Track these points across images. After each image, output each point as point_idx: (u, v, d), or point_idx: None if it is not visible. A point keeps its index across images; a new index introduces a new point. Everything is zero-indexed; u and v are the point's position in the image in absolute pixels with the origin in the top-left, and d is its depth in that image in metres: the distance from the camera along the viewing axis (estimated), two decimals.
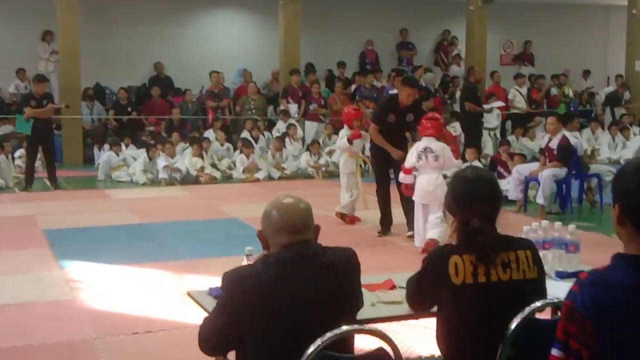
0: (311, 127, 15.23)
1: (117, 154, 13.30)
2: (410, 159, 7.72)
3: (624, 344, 1.93)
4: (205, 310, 3.29)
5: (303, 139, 14.81)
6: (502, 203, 3.07)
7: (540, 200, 9.62)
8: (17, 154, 13.04)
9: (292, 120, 14.94)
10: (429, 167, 7.56)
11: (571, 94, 17.92)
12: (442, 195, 6.98)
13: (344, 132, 9.17)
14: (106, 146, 13.85)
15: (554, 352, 2.00)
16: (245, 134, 14.31)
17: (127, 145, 13.86)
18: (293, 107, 15.41)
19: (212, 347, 2.81)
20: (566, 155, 9.73)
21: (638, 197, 2.00)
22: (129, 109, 15.56)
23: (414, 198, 7.72)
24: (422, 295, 3.05)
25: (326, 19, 17.92)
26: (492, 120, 15.12)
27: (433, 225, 7.45)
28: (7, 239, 8.35)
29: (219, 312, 2.73)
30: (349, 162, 9.19)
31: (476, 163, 11.53)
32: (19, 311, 5.83)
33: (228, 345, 2.77)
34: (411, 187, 7.81)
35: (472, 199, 2.93)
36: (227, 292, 2.70)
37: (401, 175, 7.89)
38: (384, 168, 8.48)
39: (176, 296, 5.90)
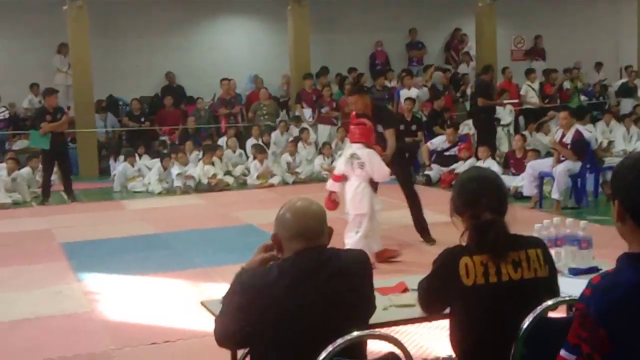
0: (324, 130, 15.24)
1: (132, 165, 13.38)
2: (339, 166, 7.38)
3: (639, 347, 1.92)
4: None
5: (316, 143, 14.82)
6: (508, 200, 3.07)
7: (555, 195, 9.58)
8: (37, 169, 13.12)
9: (304, 125, 14.95)
10: (354, 175, 7.16)
11: (582, 87, 17.84)
12: (360, 204, 7.05)
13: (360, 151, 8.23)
14: (121, 157, 13.93)
15: (563, 353, 1.98)
16: (251, 141, 14.34)
17: (140, 156, 13.93)
18: (307, 112, 15.43)
19: (227, 346, 2.90)
20: (580, 149, 9.69)
21: (637, 190, 1.97)
22: (142, 119, 15.64)
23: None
24: (434, 297, 3.06)
25: (335, 22, 17.93)
26: (505, 116, 15.07)
27: (348, 237, 7.07)
28: (25, 253, 8.42)
29: (233, 316, 2.75)
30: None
31: (489, 161, 11.53)
32: (38, 325, 5.88)
33: (242, 345, 2.84)
34: (335, 199, 7.36)
35: (479, 194, 2.96)
36: (242, 297, 2.72)
37: (329, 182, 7.54)
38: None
39: (193, 305, 5.90)
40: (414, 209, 8.19)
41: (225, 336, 2.80)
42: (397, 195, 8.68)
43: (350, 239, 6.99)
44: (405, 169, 8.48)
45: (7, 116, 15.16)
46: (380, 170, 7.08)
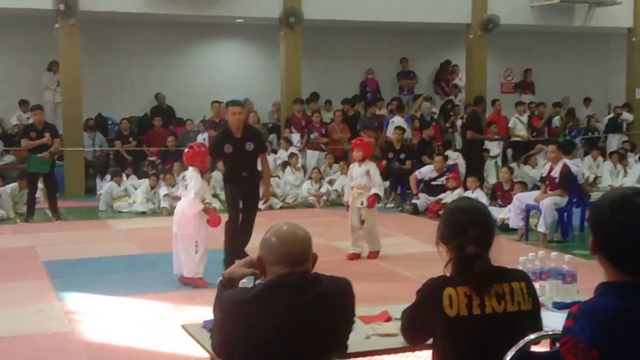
0: (312, 155, 15.25)
1: (119, 185, 13.33)
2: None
3: None
4: (200, 343, 3.29)
5: (304, 168, 14.82)
6: (495, 233, 3.07)
7: (541, 228, 9.60)
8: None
9: (293, 149, 14.97)
10: (183, 196, 7.62)
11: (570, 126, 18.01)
12: (185, 225, 7.37)
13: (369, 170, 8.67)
14: (108, 177, 13.87)
15: None
16: None
17: (128, 176, 13.88)
18: (295, 137, 15.45)
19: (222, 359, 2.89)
20: (568, 183, 9.74)
21: (609, 230, 2.07)
22: (131, 139, 15.61)
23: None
24: (417, 327, 3.05)
25: (327, 48, 18.01)
26: (493, 147, 15.15)
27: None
28: (7, 270, 8.33)
29: (218, 331, 2.83)
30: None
31: (478, 192, 11.55)
32: (18, 343, 5.81)
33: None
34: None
35: (466, 226, 2.96)
36: (222, 314, 2.79)
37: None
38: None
39: (174, 328, 5.85)
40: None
41: (218, 350, 2.85)
42: (385, 223, 8.73)
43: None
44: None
45: None
46: (199, 191, 7.50)
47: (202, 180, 7.61)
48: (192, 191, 7.42)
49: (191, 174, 7.56)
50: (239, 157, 8.13)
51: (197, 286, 7.45)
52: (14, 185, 12.47)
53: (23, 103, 15.42)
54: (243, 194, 8.28)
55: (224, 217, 8.16)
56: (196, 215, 7.47)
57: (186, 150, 7.82)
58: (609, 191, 2.22)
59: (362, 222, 8.62)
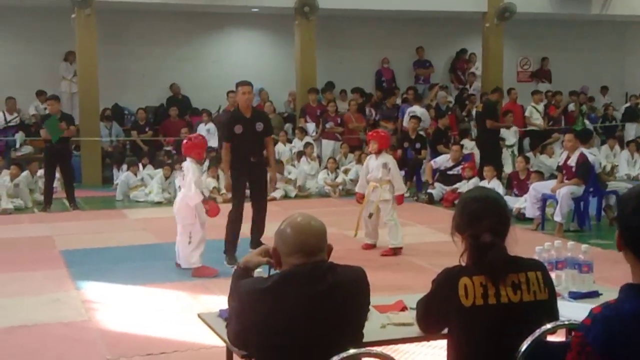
0: (328, 145, 15.25)
1: (135, 174, 13.40)
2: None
3: None
4: (216, 332, 3.30)
5: (320, 158, 14.82)
6: (510, 222, 3.05)
7: (557, 217, 9.56)
8: (38, 173, 13.14)
9: (308, 139, 14.96)
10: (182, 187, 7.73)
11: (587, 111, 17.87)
12: (184, 216, 7.49)
13: (384, 161, 8.51)
14: (124, 166, 13.93)
15: None
16: None
17: (144, 166, 13.93)
18: (311, 126, 15.45)
19: (238, 348, 2.90)
20: (585, 172, 9.68)
21: (635, 224, 1.99)
22: (147, 129, 15.66)
23: None
24: (432, 317, 3.04)
25: (342, 38, 17.98)
26: (510, 137, 15.07)
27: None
28: (25, 259, 8.41)
29: (234, 320, 2.84)
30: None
31: (494, 181, 11.52)
32: (35, 332, 5.86)
33: (246, 349, 2.84)
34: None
35: (481, 215, 2.94)
36: (239, 303, 2.80)
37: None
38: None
39: (190, 317, 5.88)
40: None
41: (234, 339, 2.87)
42: (401, 213, 8.69)
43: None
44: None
45: (17, 122, 15.13)
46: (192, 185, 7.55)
47: (199, 171, 7.69)
48: (192, 182, 7.47)
49: (188, 165, 7.64)
50: (248, 138, 8.05)
51: (207, 276, 7.48)
52: (25, 173, 12.58)
53: (40, 93, 15.49)
54: (251, 182, 8.25)
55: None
56: (195, 205, 7.53)
57: (184, 141, 7.90)
58: (635, 185, 2.17)
59: (370, 215, 8.49)
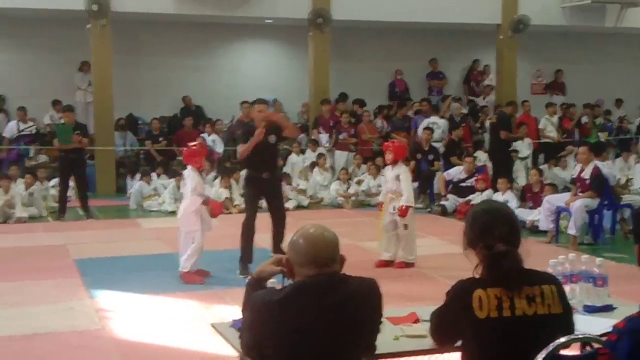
0: (341, 156, 15.26)
1: (149, 184, 13.45)
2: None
3: None
4: (229, 342, 3.31)
5: (333, 169, 14.83)
6: (521, 234, 3.05)
7: (572, 231, 9.51)
8: (52, 183, 13.24)
9: (321, 150, 14.99)
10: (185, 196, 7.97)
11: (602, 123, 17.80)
12: (186, 223, 7.66)
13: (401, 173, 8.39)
14: (138, 176, 14.00)
15: None
16: None
17: (159, 175, 13.99)
18: (324, 137, 15.47)
19: (252, 359, 2.90)
20: (599, 185, 9.64)
21: None
22: (161, 139, 15.74)
23: None
24: (446, 329, 3.04)
25: (356, 50, 18.01)
26: (524, 149, 15.03)
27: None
28: (39, 268, 8.45)
29: (248, 331, 2.84)
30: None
31: (509, 194, 11.50)
32: (49, 341, 5.89)
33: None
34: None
35: (492, 226, 2.95)
36: (253, 315, 2.80)
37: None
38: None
39: (203, 326, 5.90)
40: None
41: (248, 350, 2.88)
42: (416, 225, 8.66)
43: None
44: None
45: (33, 132, 15.20)
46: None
47: (199, 178, 7.86)
48: (189, 189, 7.72)
49: (188, 173, 7.88)
50: (262, 150, 8.15)
51: (189, 283, 7.62)
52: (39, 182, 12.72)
53: (56, 103, 15.60)
54: (266, 198, 8.42)
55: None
56: (196, 212, 7.71)
57: (184, 149, 8.14)
58: None
59: (394, 225, 8.37)
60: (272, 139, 8.27)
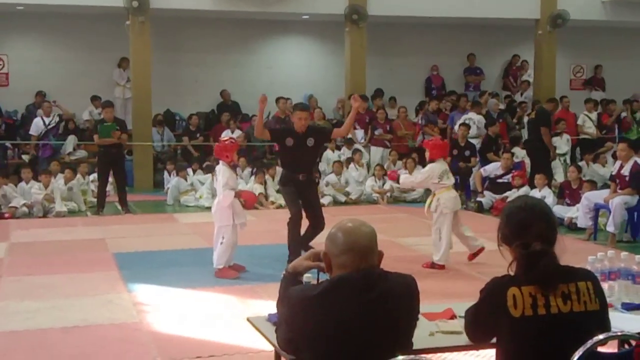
0: (376, 152, 15.24)
1: (185, 179, 13.57)
2: None
3: None
4: (264, 336, 3.33)
5: (368, 164, 14.82)
6: (558, 228, 3.02)
7: (610, 228, 9.40)
8: (91, 177, 13.41)
9: (357, 146, 14.98)
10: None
11: None
12: (219, 218, 7.73)
13: (433, 169, 8.16)
14: (174, 171, 14.11)
15: None
16: None
17: (195, 171, 14.10)
18: (359, 133, 15.46)
19: (288, 353, 2.92)
20: (639, 182, 9.50)
21: None
22: (198, 135, 15.86)
23: None
24: (480, 326, 3.03)
25: (392, 45, 17.96)
26: (562, 145, 14.87)
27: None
28: (78, 261, 8.58)
29: (284, 327, 2.85)
30: (452, 200, 8.19)
31: (546, 190, 11.39)
32: (87, 333, 5.98)
33: (296, 354, 2.85)
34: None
35: (528, 223, 2.93)
36: (290, 309, 2.81)
37: None
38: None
39: (239, 321, 5.94)
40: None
41: (284, 345, 2.89)
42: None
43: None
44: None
45: (56, 122, 14.91)
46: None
47: (229, 172, 7.84)
48: (221, 184, 7.74)
49: (219, 168, 7.92)
50: (298, 152, 8.16)
51: (228, 278, 7.67)
52: (77, 176, 12.88)
53: (95, 99, 15.78)
54: (301, 198, 8.27)
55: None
56: (229, 207, 7.72)
57: (216, 144, 8.23)
58: None
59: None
60: (310, 141, 8.20)
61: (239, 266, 7.99)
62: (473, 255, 8.28)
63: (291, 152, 8.21)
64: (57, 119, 14.96)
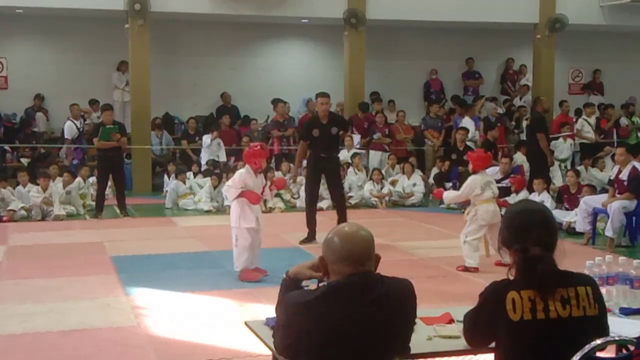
0: (375, 156, 15.24)
1: (184, 183, 13.57)
2: None
3: None
4: (262, 340, 3.32)
5: (367, 168, 14.81)
6: (558, 234, 3.03)
7: (609, 232, 9.40)
8: (90, 180, 13.41)
9: (356, 150, 14.97)
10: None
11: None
12: (231, 219, 7.70)
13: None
14: (173, 174, 14.11)
15: None
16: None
17: (195, 174, 14.09)
18: (356, 138, 15.45)
19: (285, 358, 2.91)
20: (637, 187, 9.50)
21: None
22: (197, 138, 15.86)
23: None
24: (479, 331, 3.02)
25: (391, 49, 17.96)
26: (564, 150, 14.86)
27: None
28: (77, 265, 8.57)
29: (282, 332, 2.84)
30: (491, 213, 8.08)
31: (544, 194, 11.38)
32: (85, 336, 5.97)
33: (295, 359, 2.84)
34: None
35: (528, 227, 2.93)
36: (287, 314, 2.81)
37: None
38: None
39: (237, 324, 5.94)
40: None
41: (281, 350, 2.88)
42: (448, 224, 8.63)
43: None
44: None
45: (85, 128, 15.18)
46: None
47: (247, 175, 7.71)
48: (230, 181, 7.86)
49: (241, 170, 7.92)
50: (324, 140, 9.55)
51: (245, 280, 7.66)
52: (77, 180, 12.91)
53: (93, 102, 15.78)
54: (325, 172, 9.71)
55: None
56: (236, 208, 7.68)
57: (245, 150, 8.41)
58: None
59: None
60: (334, 130, 9.63)
61: (261, 270, 7.88)
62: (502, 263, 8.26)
63: (317, 140, 9.57)
64: (84, 125, 15.10)
